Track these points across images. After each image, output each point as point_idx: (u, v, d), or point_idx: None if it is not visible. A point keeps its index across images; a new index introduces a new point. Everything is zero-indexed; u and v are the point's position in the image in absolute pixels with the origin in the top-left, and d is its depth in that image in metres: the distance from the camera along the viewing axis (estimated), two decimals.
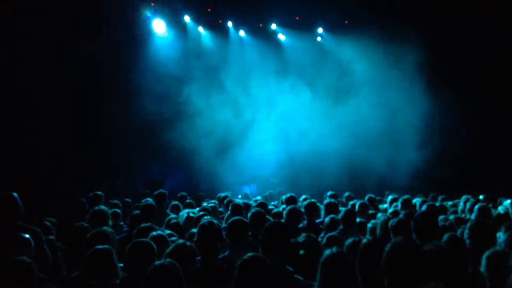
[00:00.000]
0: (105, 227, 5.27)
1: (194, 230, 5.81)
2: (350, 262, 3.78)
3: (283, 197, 9.25)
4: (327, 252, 3.79)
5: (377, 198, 10.05)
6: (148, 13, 16.81)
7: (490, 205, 7.21)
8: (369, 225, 6.09)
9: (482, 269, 3.98)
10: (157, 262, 3.78)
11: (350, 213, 6.70)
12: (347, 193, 10.18)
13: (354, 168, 16.90)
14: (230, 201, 8.35)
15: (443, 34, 16.83)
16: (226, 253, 4.80)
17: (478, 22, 15.84)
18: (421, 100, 16.75)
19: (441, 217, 6.92)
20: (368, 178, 16.34)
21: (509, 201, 6.82)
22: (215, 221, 4.73)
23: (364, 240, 4.22)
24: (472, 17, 15.89)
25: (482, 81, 16.71)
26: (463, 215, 7.15)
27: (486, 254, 3.99)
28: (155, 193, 9.05)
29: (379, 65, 17.11)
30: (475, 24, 15.90)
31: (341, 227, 6.47)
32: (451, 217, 6.86)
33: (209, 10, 18.04)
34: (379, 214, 6.98)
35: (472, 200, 7.56)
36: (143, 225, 5.66)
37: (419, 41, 16.10)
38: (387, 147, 16.78)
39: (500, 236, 4.85)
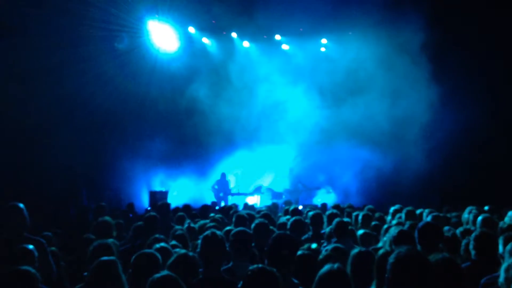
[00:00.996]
0: (109, 239, 5.26)
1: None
2: (347, 280, 3.76)
3: (290, 208, 9.21)
4: (327, 267, 3.77)
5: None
6: (153, 24, 16.90)
7: (495, 216, 7.17)
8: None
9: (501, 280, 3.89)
10: (155, 275, 3.72)
11: (342, 224, 6.56)
12: (347, 204, 10.14)
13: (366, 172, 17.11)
14: (235, 212, 8.34)
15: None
16: (229, 265, 4.78)
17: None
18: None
19: (446, 228, 6.91)
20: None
21: None
22: (218, 232, 4.72)
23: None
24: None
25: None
26: (468, 226, 7.11)
27: (504, 265, 3.93)
28: (159, 203, 9.03)
29: (386, 70, 17.19)
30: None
31: (335, 238, 6.44)
32: (458, 230, 6.82)
33: (213, 21, 18.17)
34: (385, 226, 6.92)
35: (475, 211, 7.53)
36: (151, 237, 5.64)
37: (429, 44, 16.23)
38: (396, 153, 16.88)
39: (500, 248, 4.82)
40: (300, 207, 11.48)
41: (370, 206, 9.56)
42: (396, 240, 5.08)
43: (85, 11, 14.11)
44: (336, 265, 3.78)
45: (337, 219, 6.67)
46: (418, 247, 4.75)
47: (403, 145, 17.10)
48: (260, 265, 3.67)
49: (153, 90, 16.91)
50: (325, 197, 17.77)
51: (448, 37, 16.88)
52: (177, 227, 6.96)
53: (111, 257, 4.33)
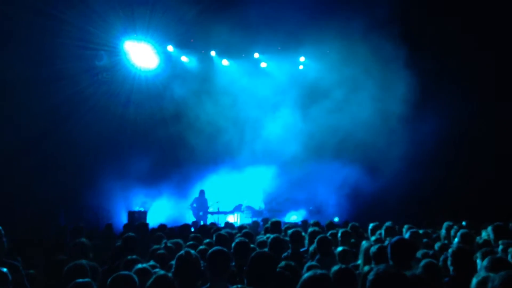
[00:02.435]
0: (84, 260, 5.16)
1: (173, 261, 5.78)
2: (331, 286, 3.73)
3: (267, 225, 9.17)
4: (309, 273, 3.73)
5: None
6: (131, 43, 16.89)
7: (472, 232, 7.23)
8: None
9: None
10: None
11: (324, 241, 6.57)
12: (328, 221, 10.10)
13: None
14: (215, 231, 8.27)
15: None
16: (207, 285, 4.72)
17: None
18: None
19: (424, 240, 6.96)
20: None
21: (490, 227, 6.84)
22: (193, 252, 4.67)
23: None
24: None
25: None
26: (445, 242, 7.16)
27: (474, 280, 3.95)
28: (137, 223, 8.93)
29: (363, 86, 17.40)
30: None
31: (318, 256, 6.42)
32: (436, 245, 6.87)
33: (191, 40, 18.25)
34: (363, 242, 6.93)
35: (455, 227, 7.59)
36: (128, 257, 5.56)
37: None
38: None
39: (478, 263, 4.85)
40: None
41: (355, 223, 9.54)
42: (376, 257, 5.09)
43: (63, 30, 14.07)
44: (319, 271, 3.75)
45: (319, 236, 6.67)
46: (390, 262, 4.77)
47: (385, 160, 17.23)
48: (239, 286, 3.64)
49: (131, 109, 16.88)
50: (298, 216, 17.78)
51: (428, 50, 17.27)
52: (156, 246, 6.88)
53: (86, 279, 4.26)
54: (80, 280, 4.20)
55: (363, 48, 16.93)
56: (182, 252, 4.59)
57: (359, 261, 6.09)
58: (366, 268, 5.10)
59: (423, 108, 17.06)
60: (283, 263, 4.99)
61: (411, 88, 16.82)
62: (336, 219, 16.15)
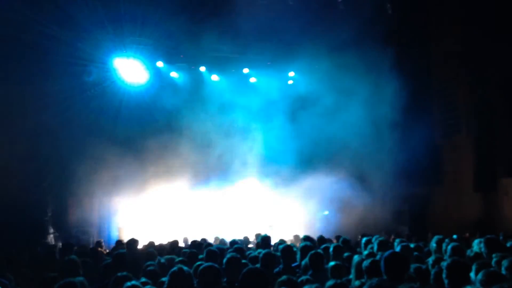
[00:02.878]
0: (76, 278, 5.09)
1: (164, 278, 5.73)
2: None
3: (258, 240, 9.13)
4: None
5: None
6: (120, 59, 16.91)
7: (462, 245, 7.24)
8: None
9: None
10: None
11: (317, 256, 6.54)
12: (319, 236, 10.06)
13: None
14: (207, 247, 8.22)
15: None
16: None
17: None
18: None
19: (415, 253, 6.95)
20: None
21: (481, 239, 6.86)
22: (185, 268, 4.63)
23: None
24: None
25: None
26: (437, 255, 7.15)
27: None
28: (127, 240, 8.86)
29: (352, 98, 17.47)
30: None
31: (311, 271, 6.39)
32: (430, 259, 6.86)
33: (181, 56, 18.30)
34: (355, 256, 6.91)
35: (446, 240, 7.59)
36: (118, 274, 5.50)
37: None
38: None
39: (471, 276, 4.86)
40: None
41: (346, 237, 9.53)
42: (368, 271, 5.08)
43: (52, 46, 14.06)
44: (314, 286, 3.74)
45: (311, 252, 6.64)
46: (384, 277, 4.77)
47: (376, 172, 17.32)
48: None
49: (121, 124, 16.79)
50: None
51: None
52: (149, 262, 6.82)
53: None
54: None
55: (352, 58, 17.12)
56: (175, 268, 4.56)
57: (351, 276, 6.08)
58: (357, 282, 5.08)
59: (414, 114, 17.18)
60: (284, 277, 4.92)
61: (402, 95, 16.98)
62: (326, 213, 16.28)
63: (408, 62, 17.54)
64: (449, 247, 6.70)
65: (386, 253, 4.96)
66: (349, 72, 17.05)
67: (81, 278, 5.19)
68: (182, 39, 16.67)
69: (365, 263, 5.32)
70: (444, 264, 4.98)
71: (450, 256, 6.27)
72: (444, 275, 4.89)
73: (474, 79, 16.57)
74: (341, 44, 16.03)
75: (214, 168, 18.32)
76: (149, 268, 6.39)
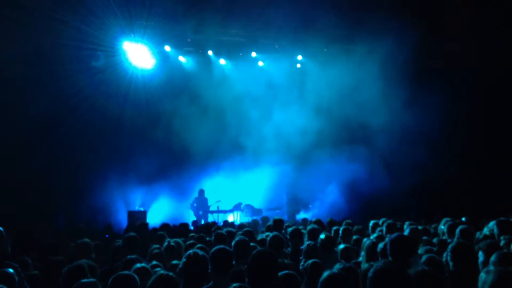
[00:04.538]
0: (84, 260, 5.15)
1: (175, 261, 5.77)
2: (350, 283, 3.77)
3: (269, 223, 9.16)
4: (327, 273, 3.77)
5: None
6: (128, 43, 16.89)
7: (472, 227, 7.21)
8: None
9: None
10: None
11: (329, 239, 6.63)
12: (329, 219, 10.11)
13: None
14: (216, 230, 8.26)
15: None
16: (210, 284, 4.72)
17: None
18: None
19: (424, 237, 6.95)
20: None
21: (493, 222, 6.80)
22: (201, 252, 4.67)
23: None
24: None
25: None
26: (444, 237, 7.15)
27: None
28: (137, 224, 8.94)
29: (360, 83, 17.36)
30: None
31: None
32: (434, 239, 6.86)
33: (189, 40, 18.24)
34: (365, 239, 6.93)
35: (451, 222, 7.55)
36: (128, 257, 5.56)
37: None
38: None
39: (480, 256, 4.82)
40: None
41: (348, 221, 9.56)
42: (383, 254, 5.09)
43: (60, 30, 14.06)
44: (335, 269, 3.78)
45: (322, 234, 6.70)
46: (390, 258, 4.78)
47: (384, 156, 17.27)
48: (241, 284, 3.65)
49: (129, 109, 16.86)
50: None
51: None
52: (154, 246, 6.88)
53: (91, 280, 4.26)
54: (85, 280, 4.20)
55: (360, 45, 16.99)
56: (190, 252, 4.59)
57: (360, 258, 6.12)
58: (367, 265, 5.10)
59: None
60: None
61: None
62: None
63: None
64: (457, 229, 6.68)
65: (393, 236, 4.96)
66: (357, 55, 16.97)
67: (90, 261, 5.25)
68: (190, 22, 16.60)
69: (381, 245, 5.35)
70: (449, 246, 4.96)
71: (457, 238, 6.27)
72: (448, 258, 4.88)
73: None
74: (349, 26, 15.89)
75: (225, 152, 18.31)
76: (155, 251, 6.45)
